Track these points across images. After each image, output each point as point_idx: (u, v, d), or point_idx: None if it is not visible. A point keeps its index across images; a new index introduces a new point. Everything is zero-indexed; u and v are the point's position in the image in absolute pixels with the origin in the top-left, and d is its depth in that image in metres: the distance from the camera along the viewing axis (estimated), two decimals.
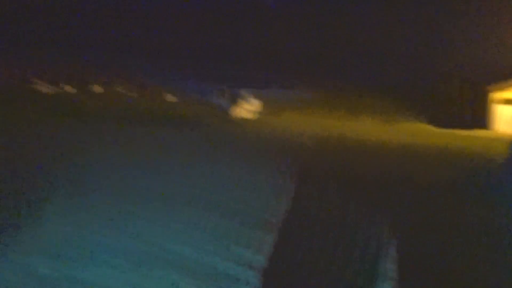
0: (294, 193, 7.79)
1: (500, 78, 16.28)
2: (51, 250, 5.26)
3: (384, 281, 4.99)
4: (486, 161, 11.17)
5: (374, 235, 6.10)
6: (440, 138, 14.25)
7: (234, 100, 16.20)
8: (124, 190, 7.31)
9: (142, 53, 19.40)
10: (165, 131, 13.07)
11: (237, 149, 11.28)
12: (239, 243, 5.72)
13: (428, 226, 6.62)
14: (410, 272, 5.25)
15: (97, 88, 17.12)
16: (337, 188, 8.12)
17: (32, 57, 17.35)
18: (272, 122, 15.42)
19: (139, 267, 4.96)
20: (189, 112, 15.49)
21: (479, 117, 16.44)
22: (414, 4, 17.90)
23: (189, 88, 17.22)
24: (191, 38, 19.49)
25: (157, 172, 8.47)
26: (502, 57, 16.36)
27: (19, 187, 7.23)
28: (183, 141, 12.08)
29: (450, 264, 5.49)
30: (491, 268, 5.45)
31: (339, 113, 16.59)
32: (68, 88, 16.68)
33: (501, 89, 16.49)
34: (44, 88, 16.31)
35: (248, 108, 16.62)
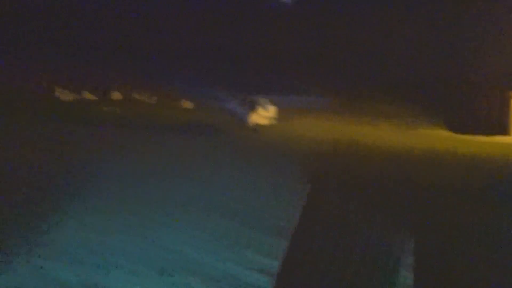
0: (308, 198, 7.80)
1: None
2: (71, 256, 5.32)
3: None
4: None
5: (391, 243, 6.05)
6: (463, 144, 14.07)
7: (251, 106, 16.21)
8: (143, 197, 7.40)
9: (160, 60, 19.56)
10: (183, 138, 13.17)
11: (253, 156, 11.32)
12: (254, 249, 5.77)
13: (453, 236, 6.53)
14: (428, 282, 5.19)
15: (116, 95, 17.34)
16: (352, 195, 8.10)
17: (54, 64, 17.66)
18: (288, 128, 15.41)
19: (160, 273, 5.01)
20: (207, 119, 15.58)
21: (503, 123, 16.26)
22: (438, 7, 17.65)
23: (206, 94, 17.29)
24: (208, 45, 19.60)
25: (176, 179, 8.55)
26: None
27: (38, 192, 7.35)
28: (201, 148, 12.16)
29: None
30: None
31: (356, 119, 16.51)
32: (88, 96, 16.93)
33: None
34: (66, 96, 16.59)
35: (264, 115, 16.62)
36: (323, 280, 5.15)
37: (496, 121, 16.38)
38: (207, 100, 17.06)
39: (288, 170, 9.71)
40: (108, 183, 8.05)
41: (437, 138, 15.20)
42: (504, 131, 16.08)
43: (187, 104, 17.48)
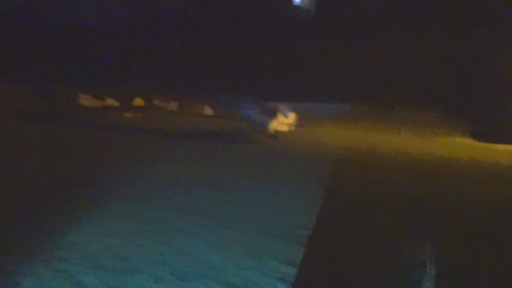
0: (327, 206, 7.77)
1: None
2: (93, 260, 5.37)
3: None
4: None
5: (412, 252, 5.97)
6: (487, 153, 13.81)
7: (272, 113, 16.22)
8: (164, 203, 7.44)
9: (181, 67, 19.73)
10: (204, 145, 13.24)
11: (272, 163, 11.33)
12: (274, 257, 5.77)
13: (476, 246, 6.40)
14: None
15: (138, 102, 17.56)
16: (370, 202, 8.03)
17: (78, 71, 17.98)
18: (308, 135, 15.41)
19: (181, 279, 5.02)
20: (227, 126, 15.65)
21: None
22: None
23: (227, 101, 17.36)
24: (229, 53, 19.71)
25: (197, 186, 8.58)
26: None
27: (60, 196, 7.44)
28: (221, 155, 12.21)
29: None
30: None
31: (378, 127, 16.37)
32: (111, 102, 17.20)
33: None
34: (90, 102, 16.88)
35: (285, 121, 16.61)
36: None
37: None
38: (228, 107, 17.14)
39: (306, 177, 9.70)
40: (129, 188, 8.12)
41: (460, 146, 14.98)
42: None
43: (208, 111, 17.60)
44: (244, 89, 17.58)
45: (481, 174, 11.16)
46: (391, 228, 6.85)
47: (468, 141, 15.85)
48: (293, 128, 16.37)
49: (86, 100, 16.88)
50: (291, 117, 16.68)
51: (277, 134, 15.72)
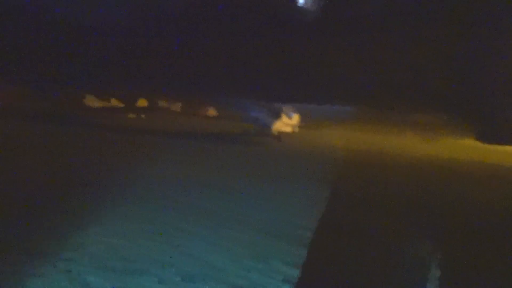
0: (328, 207, 7.81)
1: None
2: (98, 261, 5.41)
3: None
4: None
5: (415, 254, 6.00)
6: (490, 154, 13.82)
7: (276, 114, 16.29)
8: (169, 204, 7.49)
9: (185, 68, 19.78)
10: (207, 146, 13.30)
11: (276, 165, 11.37)
12: (276, 258, 5.80)
13: (480, 248, 6.43)
14: None
15: (142, 102, 17.63)
16: (373, 204, 8.06)
17: (83, 72, 18.09)
18: (311, 137, 15.44)
19: (186, 280, 5.08)
20: (231, 127, 15.71)
21: None
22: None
23: (230, 102, 17.43)
24: (233, 54, 19.75)
25: (201, 188, 8.63)
26: None
27: (65, 196, 7.48)
28: (225, 156, 12.27)
29: None
30: None
31: (380, 128, 16.39)
32: (116, 102, 17.30)
33: None
34: (95, 102, 16.99)
35: (288, 122, 16.67)
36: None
37: None
38: (232, 108, 17.19)
39: (307, 177, 9.74)
40: (129, 188, 8.16)
41: (464, 147, 14.97)
42: None
43: (212, 112, 17.66)
44: (248, 90, 17.62)
45: (482, 175, 11.18)
46: (391, 228, 6.89)
47: (470, 142, 15.86)
48: (296, 129, 16.41)
49: (91, 101, 16.99)
50: (295, 118, 16.74)
51: (281, 135, 15.77)
